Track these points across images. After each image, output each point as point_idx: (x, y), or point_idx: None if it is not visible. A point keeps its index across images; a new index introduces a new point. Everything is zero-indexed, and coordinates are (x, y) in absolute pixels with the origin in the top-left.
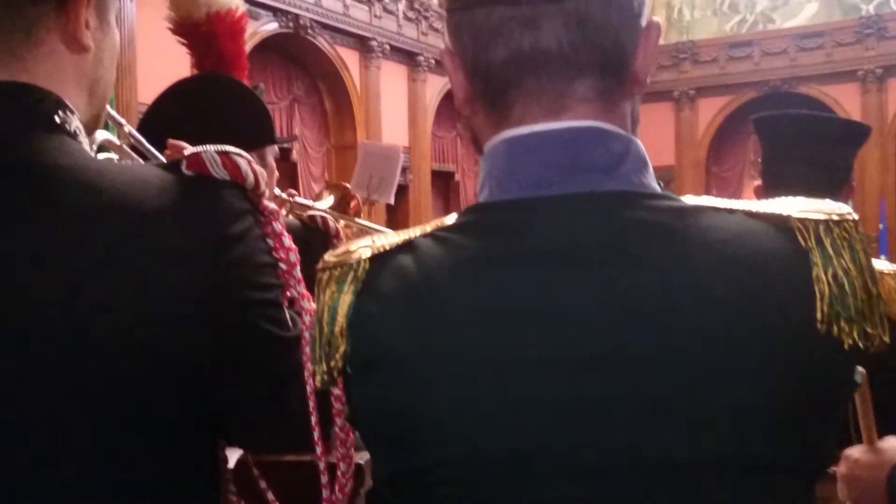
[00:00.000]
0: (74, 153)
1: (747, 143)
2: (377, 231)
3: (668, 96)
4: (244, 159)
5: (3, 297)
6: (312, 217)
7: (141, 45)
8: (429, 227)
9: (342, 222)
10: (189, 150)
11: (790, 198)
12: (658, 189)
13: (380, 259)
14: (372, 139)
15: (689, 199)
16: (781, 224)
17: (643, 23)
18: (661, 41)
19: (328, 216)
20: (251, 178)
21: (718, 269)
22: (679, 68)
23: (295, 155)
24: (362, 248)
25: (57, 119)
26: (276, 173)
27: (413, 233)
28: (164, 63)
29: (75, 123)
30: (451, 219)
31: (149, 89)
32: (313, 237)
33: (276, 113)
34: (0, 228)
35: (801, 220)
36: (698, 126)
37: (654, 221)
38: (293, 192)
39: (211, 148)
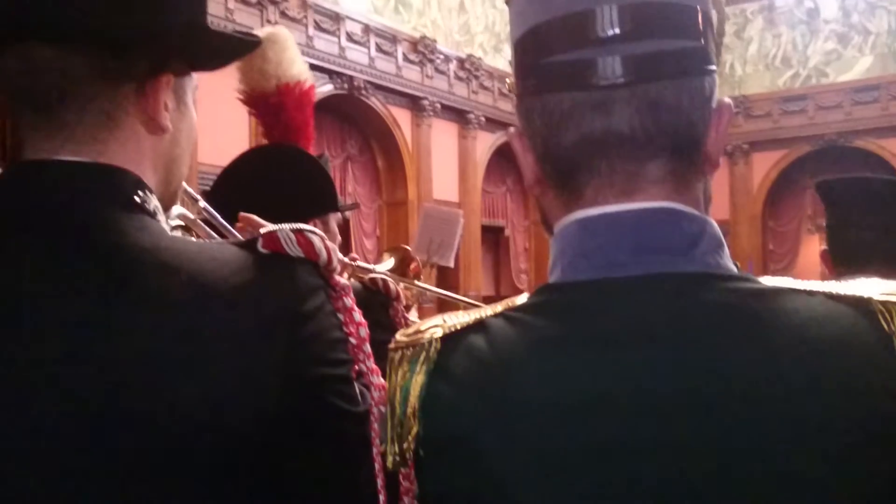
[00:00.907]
0: (154, 233)
1: (804, 197)
2: (436, 293)
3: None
4: (318, 237)
5: (83, 378)
6: (374, 280)
7: (201, 108)
8: (499, 307)
9: (402, 285)
10: (265, 228)
11: (870, 279)
12: (735, 270)
13: (451, 339)
14: (423, 195)
15: (768, 281)
16: (863, 307)
17: (714, 104)
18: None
19: (389, 279)
20: (324, 255)
21: (800, 354)
22: (733, 123)
23: (347, 212)
24: (433, 328)
25: (137, 199)
26: (339, 237)
27: (483, 312)
28: (224, 127)
29: (154, 202)
30: (521, 299)
31: (208, 153)
32: (374, 300)
33: (331, 171)
34: (80, 309)
35: (884, 304)
36: (753, 180)
37: (732, 304)
38: (355, 256)
39: (286, 226)
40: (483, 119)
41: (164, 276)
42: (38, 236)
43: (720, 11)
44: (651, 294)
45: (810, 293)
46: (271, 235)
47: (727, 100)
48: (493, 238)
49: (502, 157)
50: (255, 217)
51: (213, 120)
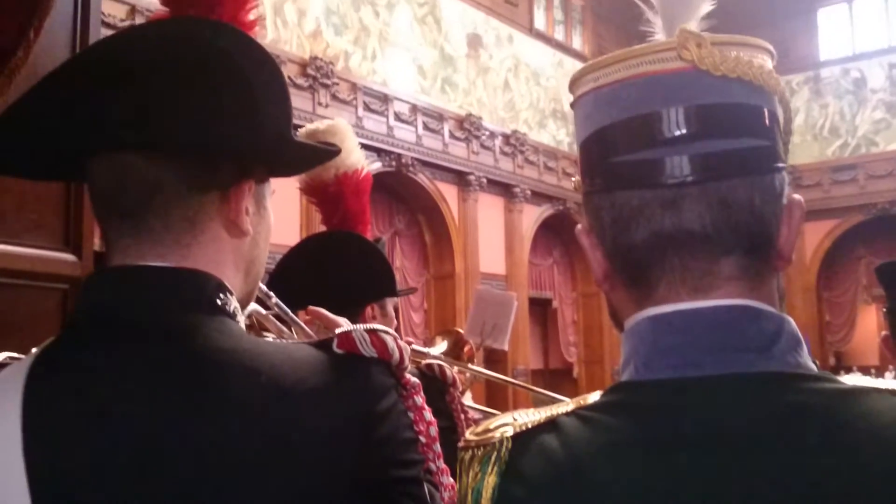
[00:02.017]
0: (234, 334)
1: (858, 267)
2: (491, 377)
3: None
4: (390, 336)
5: (166, 481)
6: (430, 366)
7: None
8: (571, 405)
9: (456, 368)
10: (340, 329)
11: None
12: (815, 369)
13: (523, 438)
14: (470, 269)
15: (849, 380)
16: None
17: (785, 201)
18: None
19: (445, 365)
20: (397, 354)
21: (883, 458)
22: None
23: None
24: (504, 427)
25: (218, 301)
26: (395, 321)
27: (555, 410)
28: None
29: (234, 304)
30: (593, 396)
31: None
32: (431, 386)
33: (386, 254)
34: (163, 413)
35: None
36: (806, 250)
37: (812, 405)
38: (410, 340)
39: (360, 327)
40: (529, 192)
41: (244, 378)
42: (122, 341)
43: (786, 109)
44: (729, 395)
45: (893, 392)
46: (346, 336)
47: (798, 196)
48: (541, 311)
49: (548, 230)
50: (324, 311)
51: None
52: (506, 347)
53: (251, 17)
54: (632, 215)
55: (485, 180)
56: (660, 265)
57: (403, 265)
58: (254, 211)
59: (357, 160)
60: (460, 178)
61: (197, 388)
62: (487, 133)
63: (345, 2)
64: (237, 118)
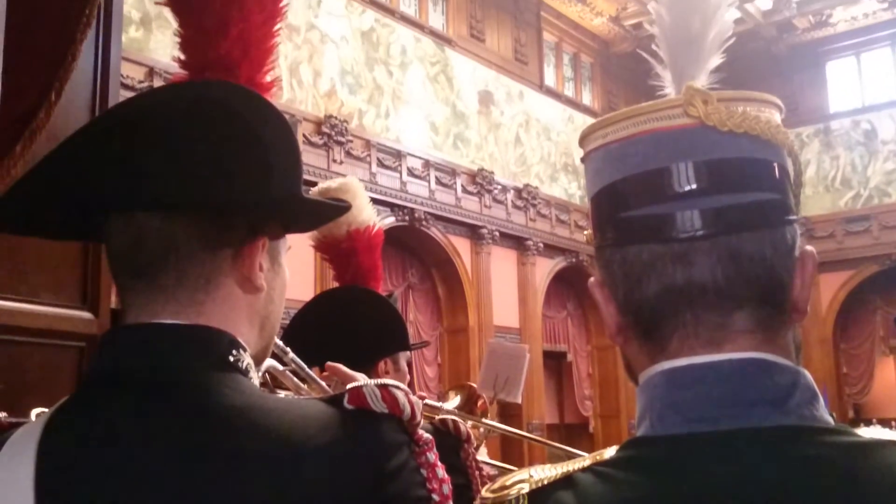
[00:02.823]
0: (245, 391)
1: (874, 318)
2: (505, 431)
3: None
4: (402, 391)
5: None
6: (444, 421)
7: None
8: (587, 461)
9: (470, 423)
10: (351, 384)
11: None
12: (831, 422)
13: (539, 495)
14: (484, 322)
15: (867, 433)
16: None
17: (797, 253)
18: None
19: (459, 420)
20: (408, 410)
21: None
22: None
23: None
24: (520, 484)
25: (231, 358)
26: (408, 376)
27: (571, 466)
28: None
29: (247, 360)
30: (609, 452)
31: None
32: (445, 442)
33: (399, 308)
34: (171, 470)
35: None
36: (821, 302)
37: (829, 459)
38: (423, 394)
39: (371, 382)
40: (541, 245)
41: (254, 436)
42: (135, 399)
43: (796, 162)
44: (745, 449)
45: None
46: (357, 391)
47: (810, 248)
48: (555, 364)
49: (561, 282)
50: (341, 367)
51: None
52: (519, 400)
53: (268, 78)
54: (643, 269)
55: (497, 234)
56: (672, 319)
57: (417, 319)
58: (268, 267)
59: (369, 217)
60: (473, 232)
61: (208, 445)
62: (499, 187)
63: (359, 62)
64: (249, 177)
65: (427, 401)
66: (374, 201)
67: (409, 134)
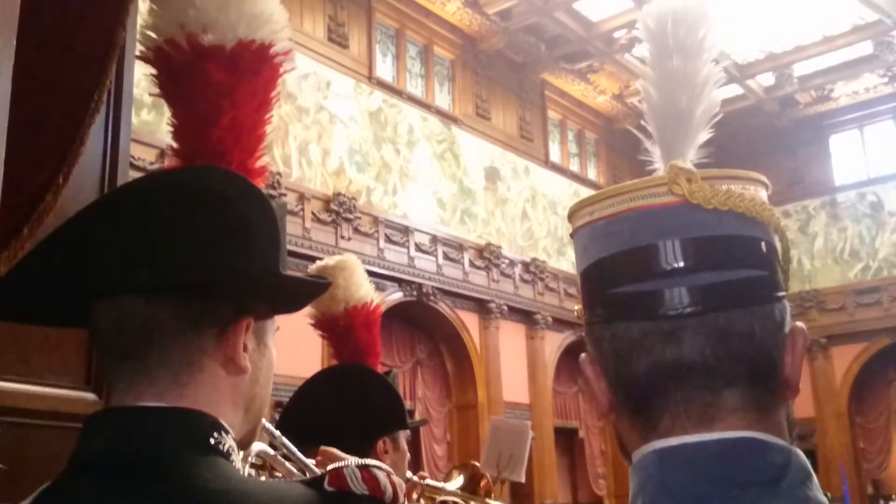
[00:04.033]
0: (224, 474)
1: (889, 391)
2: None
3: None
4: (383, 472)
5: None
6: (445, 502)
7: (280, 325)
8: None
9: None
10: (332, 465)
11: None
12: (825, 501)
13: None
14: (493, 398)
15: None
16: None
17: (787, 330)
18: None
19: (460, 501)
20: (389, 491)
21: None
22: (806, 317)
23: (417, 416)
24: None
25: (212, 441)
26: (408, 455)
27: None
28: (298, 340)
29: (229, 443)
30: None
31: (283, 365)
32: None
33: (400, 376)
34: None
35: None
36: (835, 375)
37: None
38: (424, 474)
39: (352, 462)
40: (550, 319)
41: None
42: (117, 483)
43: (784, 239)
44: None
45: None
46: (337, 473)
47: (800, 324)
48: (567, 441)
49: (572, 357)
50: (335, 451)
51: (287, 334)
52: (523, 479)
53: (259, 163)
54: (632, 347)
55: (506, 308)
56: (662, 397)
57: (426, 395)
58: (254, 347)
59: (366, 294)
60: (481, 307)
61: None
62: (507, 261)
63: (367, 141)
64: (231, 258)
65: (428, 481)
66: (382, 277)
67: (417, 210)
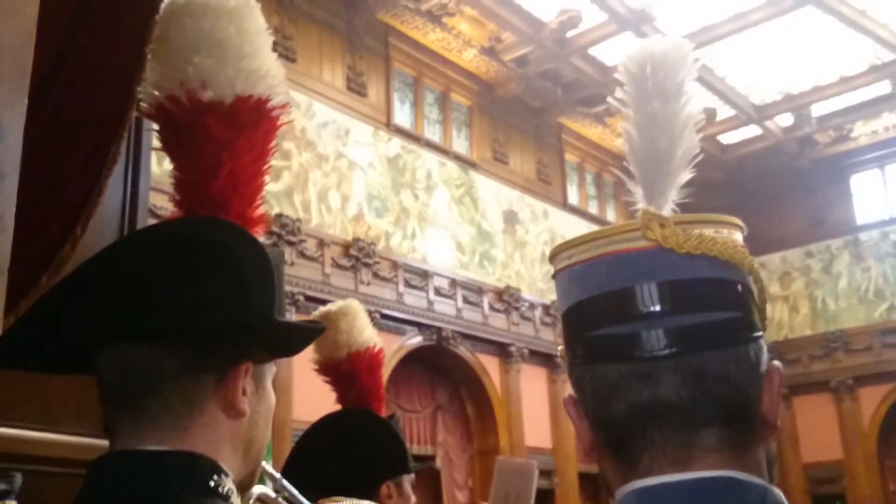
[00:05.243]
0: None
1: None
2: None
3: (825, 387)
4: None
5: None
6: None
7: (296, 367)
8: None
9: None
10: None
11: None
12: None
13: None
14: (515, 442)
15: None
16: None
17: (762, 368)
18: (810, 332)
19: None
20: None
21: None
22: (832, 358)
23: (438, 462)
24: None
25: (211, 483)
26: (413, 498)
27: None
28: (316, 384)
29: (228, 485)
30: None
31: (303, 408)
32: None
33: (420, 421)
34: None
35: None
36: (863, 417)
37: None
38: None
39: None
40: None
41: None
42: None
43: (758, 280)
44: None
45: None
46: None
47: (777, 363)
48: (592, 486)
49: None
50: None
51: (305, 379)
52: None
53: (257, 213)
54: (611, 388)
55: (526, 351)
56: (641, 438)
57: (447, 440)
58: (252, 391)
59: (369, 338)
60: (501, 350)
61: None
62: (527, 304)
63: (385, 187)
64: (229, 306)
65: None
66: (401, 321)
67: (436, 254)
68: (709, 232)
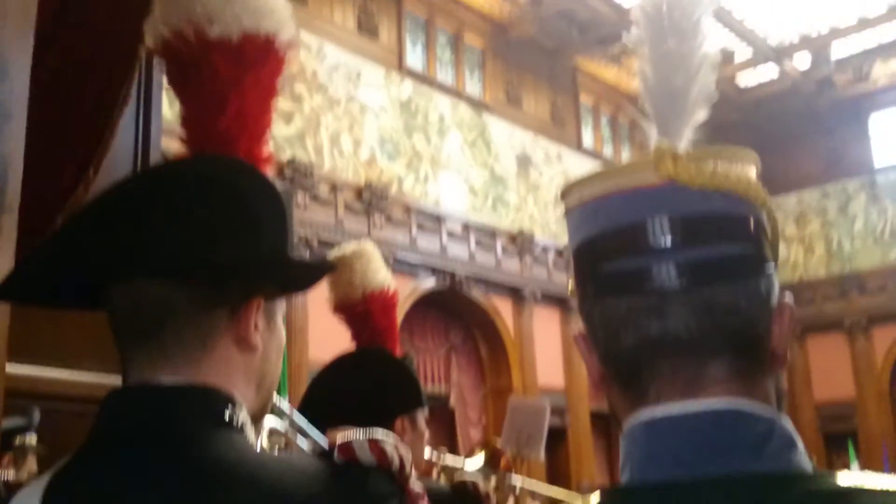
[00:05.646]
0: (239, 447)
1: None
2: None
3: (839, 327)
4: (390, 444)
5: None
6: (463, 482)
7: (312, 308)
8: None
9: (493, 481)
10: (340, 438)
11: None
12: (809, 469)
13: None
14: (528, 382)
15: (844, 479)
16: None
17: (773, 303)
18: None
19: (478, 481)
20: (396, 461)
21: None
22: (847, 298)
23: (452, 401)
24: None
25: (226, 416)
26: (427, 434)
27: None
28: (333, 325)
29: (242, 417)
30: (594, 500)
31: (319, 349)
32: (465, 501)
33: (434, 361)
34: None
35: None
36: (876, 357)
37: None
38: (443, 449)
39: (360, 435)
40: None
41: (245, 489)
42: (133, 456)
43: (771, 216)
44: (719, 497)
45: (888, 493)
46: (346, 445)
47: (788, 297)
48: (604, 425)
49: None
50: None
51: (322, 320)
52: (542, 457)
53: (265, 151)
54: (621, 322)
55: (539, 294)
56: (649, 370)
57: (461, 381)
58: (264, 327)
59: (383, 279)
60: (514, 293)
61: (202, 498)
62: (540, 247)
63: (398, 130)
64: (241, 241)
65: (447, 460)
66: (415, 265)
67: (449, 198)
68: (722, 166)
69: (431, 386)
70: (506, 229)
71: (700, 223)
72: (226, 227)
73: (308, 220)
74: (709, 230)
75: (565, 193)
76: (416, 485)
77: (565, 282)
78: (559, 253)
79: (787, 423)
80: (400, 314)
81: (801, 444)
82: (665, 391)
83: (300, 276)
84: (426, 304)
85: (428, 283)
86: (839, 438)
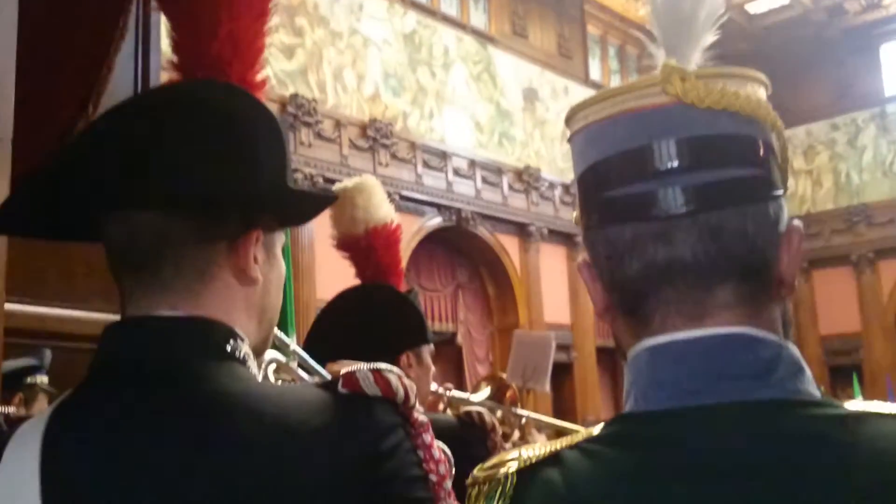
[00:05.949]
0: (242, 378)
1: None
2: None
3: (845, 260)
4: (395, 375)
5: None
6: (469, 413)
7: (319, 248)
8: (576, 437)
9: (499, 413)
10: (344, 369)
11: None
12: (817, 395)
13: (527, 473)
14: (534, 319)
15: (852, 405)
16: None
17: (782, 228)
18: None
19: (484, 412)
20: (401, 392)
21: (883, 482)
22: (854, 231)
23: (460, 339)
24: (510, 461)
25: (228, 348)
26: (433, 369)
27: (560, 444)
28: (339, 265)
29: (244, 349)
30: (598, 428)
31: (326, 288)
32: (471, 434)
33: (441, 299)
34: (172, 454)
35: None
36: (882, 290)
37: (812, 432)
38: (449, 385)
39: (364, 366)
40: None
41: (251, 420)
42: (135, 389)
43: (781, 138)
44: (726, 423)
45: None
46: (350, 376)
47: (797, 222)
48: (609, 359)
49: None
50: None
51: (328, 260)
52: (548, 389)
53: (259, 76)
54: (626, 248)
55: (546, 230)
56: (654, 297)
57: (468, 318)
58: (263, 259)
59: (386, 214)
60: (521, 230)
61: (206, 431)
62: (547, 184)
63: (402, 65)
64: (238, 171)
65: (454, 393)
66: (421, 202)
67: (454, 134)
68: (732, 86)
69: (438, 324)
70: (512, 166)
71: (708, 145)
72: (225, 156)
73: (312, 157)
74: (717, 153)
75: (570, 117)
76: (420, 415)
77: (572, 218)
78: (566, 189)
79: (795, 350)
80: (406, 253)
81: (808, 371)
82: (670, 319)
83: (301, 208)
84: (432, 243)
85: (434, 220)
86: (844, 371)
